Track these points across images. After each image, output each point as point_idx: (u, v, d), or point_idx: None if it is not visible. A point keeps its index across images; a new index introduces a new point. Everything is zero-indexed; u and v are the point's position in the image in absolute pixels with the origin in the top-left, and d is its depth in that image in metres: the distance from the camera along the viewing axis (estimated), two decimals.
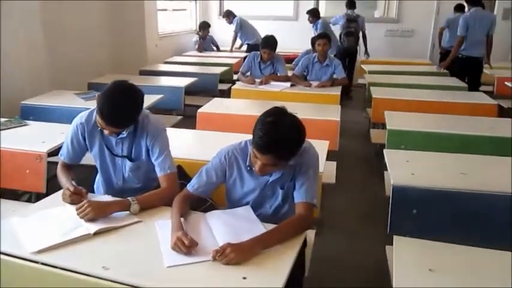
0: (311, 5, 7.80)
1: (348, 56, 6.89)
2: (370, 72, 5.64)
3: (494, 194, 2.04)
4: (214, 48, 7.66)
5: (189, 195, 1.81)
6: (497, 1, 6.88)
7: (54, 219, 1.69)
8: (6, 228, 1.62)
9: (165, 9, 7.14)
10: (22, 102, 3.52)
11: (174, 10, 7.45)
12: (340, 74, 4.62)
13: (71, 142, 2.01)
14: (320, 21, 7.05)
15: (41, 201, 1.89)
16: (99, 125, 1.84)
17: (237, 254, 1.43)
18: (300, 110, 3.52)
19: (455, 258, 1.52)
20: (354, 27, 6.80)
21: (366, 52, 7.13)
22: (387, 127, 3.12)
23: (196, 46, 7.24)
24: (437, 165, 2.38)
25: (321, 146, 2.62)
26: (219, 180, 1.85)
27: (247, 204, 1.85)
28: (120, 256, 1.48)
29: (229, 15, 7.30)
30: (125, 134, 1.93)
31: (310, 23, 7.11)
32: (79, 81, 4.50)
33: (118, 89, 1.80)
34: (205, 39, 7.39)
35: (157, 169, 1.95)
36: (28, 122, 2.96)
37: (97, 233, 1.60)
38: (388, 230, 2.15)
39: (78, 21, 5.06)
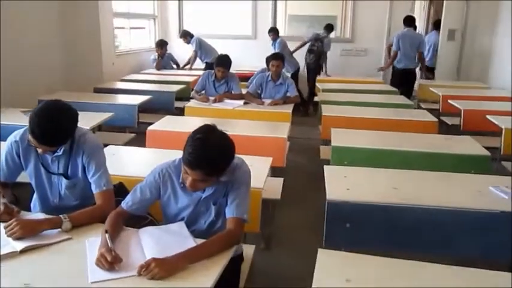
0: (269, 24, 8.01)
1: (308, 72, 7.41)
2: (324, 91, 5.80)
3: (420, 207, 2.16)
4: (174, 66, 7.69)
5: (122, 213, 1.83)
6: (442, 22, 7.25)
7: None
8: None
9: (123, 27, 7.16)
10: None
11: (132, 28, 7.46)
12: (292, 92, 4.75)
13: (5, 160, 2.00)
14: (279, 39, 7.30)
15: None
16: (31, 144, 1.84)
17: (161, 269, 1.46)
18: (250, 128, 3.68)
19: (374, 270, 1.59)
20: (316, 45, 7.33)
21: (325, 70, 7.54)
22: (331, 144, 3.23)
23: (155, 64, 7.27)
24: (372, 181, 2.49)
25: (264, 163, 2.72)
26: (153, 197, 1.88)
27: (182, 220, 1.89)
28: (45, 273, 1.49)
29: (186, 36, 7.38)
30: (60, 152, 1.94)
31: (272, 39, 7.41)
32: (29, 98, 4.43)
33: (50, 108, 1.82)
34: (163, 57, 7.42)
35: (93, 186, 1.97)
36: None
37: (24, 251, 1.59)
38: (323, 243, 2.24)
39: (29, 36, 5.02)
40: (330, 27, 7.45)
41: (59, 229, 1.75)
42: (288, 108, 4.40)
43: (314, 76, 7.30)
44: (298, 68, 7.42)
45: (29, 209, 2.11)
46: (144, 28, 8.04)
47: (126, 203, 1.85)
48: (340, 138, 3.32)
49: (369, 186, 2.40)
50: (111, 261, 1.47)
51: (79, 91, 5.30)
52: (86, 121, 3.57)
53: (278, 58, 4.74)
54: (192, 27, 8.20)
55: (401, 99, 5.30)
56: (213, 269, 1.55)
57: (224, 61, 4.79)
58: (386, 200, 2.20)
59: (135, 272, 1.47)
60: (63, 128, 1.83)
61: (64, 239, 1.70)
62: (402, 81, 6.40)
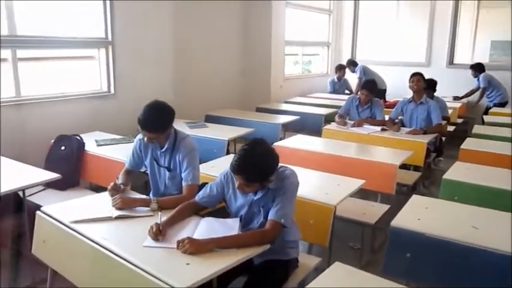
0: (445, 51, 7.61)
1: None
2: (487, 124, 5.27)
3: (487, 250, 1.98)
4: (347, 91, 8.00)
5: (193, 203, 2.28)
6: None
7: (99, 204, 2.33)
8: (68, 204, 2.36)
9: (296, 54, 7.85)
10: None
11: (304, 55, 8.10)
12: (435, 119, 4.54)
13: (132, 153, 2.68)
14: (482, 75, 6.91)
15: (103, 193, 2.56)
16: (139, 132, 2.46)
17: (191, 246, 1.83)
18: (368, 152, 3.73)
19: None
20: None
21: None
22: (443, 176, 3.07)
23: (330, 87, 7.83)
24: (453, 216, 2.35)
25: (350, 183, 2.83)
26: (219, 195, 2.26)
27: (241, 217, 2.21)
28: (120, 234, 2.04)
29: (350, 65, 7.68)
30: (164, 149, 2.52)
31: (473, 76, 7.06)
32: (202, 113, 5.42)
33: (153, 105, 2.45)
34: (339, 80, 7.86)
35: (183, 179, 2.47)
36: None
37: (118, 218, 2.18)
38: (383, 269, 2.25)
39: (210, 65, 6.09)
40: None
41: (148, 208, 2.29)
42: (425, 138, 4.21)
43: None
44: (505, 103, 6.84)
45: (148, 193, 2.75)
46: (318, 55, 8.60)
47: (198, 196, 2.29)
48: (459, 172, 3.14)
49: (445, 221, 2.28)
50: (154, 232, 1.92)
51: (246, 110, 6.11)
52: (228, 133, 4.25)
53: (417, 74, 4.66)
54: (365, 54, 8.40)
55: None
56: (230, 258, 1.83)
57: (369, 85, 4.91)
58: (451, 236, 2.08)
59: (175, 246, 1.88)
60: (158, 118, 2.43)
61: (147, 215, 2.24)
62: None
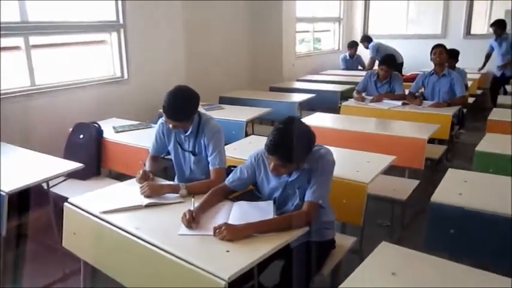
0: (462, 22, 7.38)
1: None
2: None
3: None
4: (361, 67, 7.80)
5: (223, 187, 2.19)
6: None
7: (126, 193, 2.26)
8: (95, 194, 2.29)
9: (307, 31, 7.66)
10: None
11: (315, 31, 7.90)
12: (459, 91, 4.39)
13: (155, 138, 2.59)
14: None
15: (128, 181, 2.49)
16: (164, 120, 2.36)
17: (228, 232, 1.75)
18: (392, 127, 3.62)
19: (431, 270, 1.55)
20: None
21: None
22: (476, 148, 2.97)
23: (342, 64, 7.62)
24: (495, 189, 2.26)
25: (380, 160, 2.74)
26: (250, 177, 2.17)
27: (274, 200, 2.13)
28: (153, 223, 1.96)
29: (364, 41, 7.41)
30: (188, 132, 2.42)
31: (497, 35, 6.42)
32: (215, 96, 5.29)
33: (176, 91, 2.31)
34: (352, 58, 7.66)
35: (210, 163, 2.38)
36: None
37: (148, 206, 2.11)
38: (424, 246, 2.16)
39: (221, 46, 5.94)
40: None
41: (177, 194, 2.21)
42: (450, 111, 4.09)
43: None
44: None
45: (173, 179, 2.67)
46: (329, 31, 8.39)
47: (228, 180, 2.20)
48: (491, 144, 3.03)
49: (487, 194, 2.20)
50: (188, 220, 1.84)
51: (259, 90, 5.98)
52: (246, 114, 4.14)
53: (440, 46, 4.49)
54: (378, 28, 8.19)
55: None
56: (274, 241, 1.76)
57: (388, 60, 4.78)
58: (495, 209, 1.99)
59: (212, 232, 1.80)
60: (184, 106, 2.30)
61: (177, 201, 2.16)
62: None
